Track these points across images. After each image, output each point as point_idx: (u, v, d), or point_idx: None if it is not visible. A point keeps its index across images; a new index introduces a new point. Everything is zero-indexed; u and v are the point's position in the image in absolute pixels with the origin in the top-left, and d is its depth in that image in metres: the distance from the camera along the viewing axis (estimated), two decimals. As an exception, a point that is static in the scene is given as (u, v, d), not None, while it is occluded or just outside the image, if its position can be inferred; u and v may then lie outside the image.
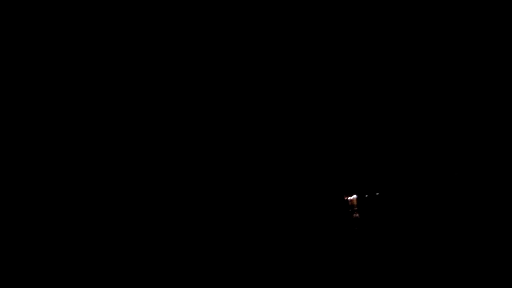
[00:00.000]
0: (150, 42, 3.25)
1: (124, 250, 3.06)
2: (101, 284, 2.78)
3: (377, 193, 3.89)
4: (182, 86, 3.53)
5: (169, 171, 3.58)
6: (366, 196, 3.99)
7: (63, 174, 3.07)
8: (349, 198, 4.36)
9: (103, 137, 3.30)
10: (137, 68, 3.33)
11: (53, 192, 3.00)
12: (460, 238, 3.34)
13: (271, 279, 3.28)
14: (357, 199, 4.32)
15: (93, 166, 3.23)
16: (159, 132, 3.55)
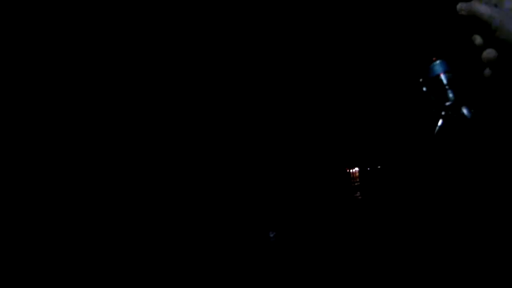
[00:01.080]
0: (150, 43, 2.60)
1: (124, 250, 2.67)
2: (101, 284, 2.44)
3: (379, 166, 6.07)
4: (182, 86, 3.19)
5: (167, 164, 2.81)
6: (368, 169, 7.03)
7: (63, 174, 2.43)
8: (351, 170, 6.95)
9: (103, 137, 2.61)
10: (137, 68, 2.71)
11: (53, 192, 2.39)
12: (460, 219, 2.89)
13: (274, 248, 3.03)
14: (359, 171, 7.20)
15: (93, 166, 2.57)
16: (159, 132, 2.87)
